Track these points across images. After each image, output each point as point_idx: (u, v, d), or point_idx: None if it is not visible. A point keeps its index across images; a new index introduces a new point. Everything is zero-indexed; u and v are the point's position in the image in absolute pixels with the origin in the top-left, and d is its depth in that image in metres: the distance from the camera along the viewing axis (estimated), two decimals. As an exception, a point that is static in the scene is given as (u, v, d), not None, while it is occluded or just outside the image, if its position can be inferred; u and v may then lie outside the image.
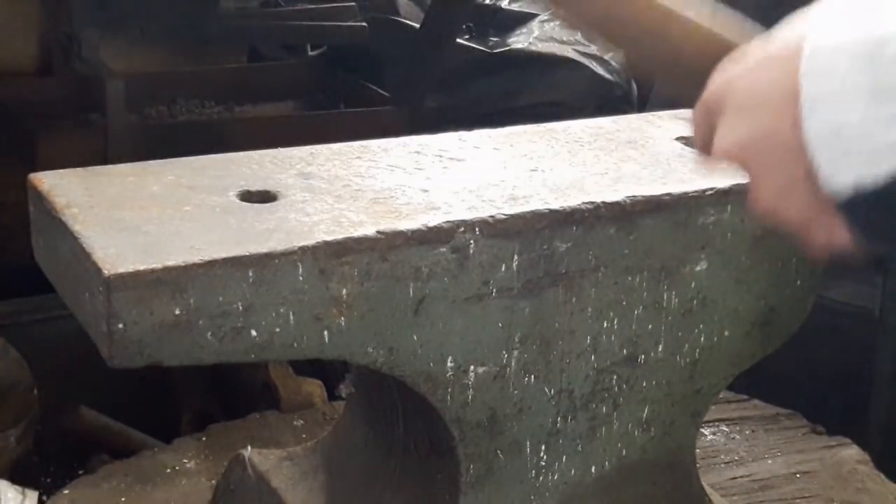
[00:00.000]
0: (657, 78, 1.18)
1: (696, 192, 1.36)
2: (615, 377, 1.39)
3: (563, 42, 3.37)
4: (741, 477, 1.88)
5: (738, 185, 1.38)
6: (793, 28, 0.88)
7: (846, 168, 0.82)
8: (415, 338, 1.24)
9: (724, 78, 0.94)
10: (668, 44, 1.11)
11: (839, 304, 2.57)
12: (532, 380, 1.33)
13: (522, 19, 3.49)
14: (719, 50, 1.01)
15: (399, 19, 3.37)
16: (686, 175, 1.40)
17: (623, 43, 1.17)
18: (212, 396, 2.49)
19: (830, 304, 2.47)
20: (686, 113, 1.63)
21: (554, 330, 1.32)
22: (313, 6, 3.40)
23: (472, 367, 1.29)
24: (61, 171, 1.29)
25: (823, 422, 2.05)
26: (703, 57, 1.03)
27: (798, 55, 0.85)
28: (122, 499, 1.73)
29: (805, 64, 0.84)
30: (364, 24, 3.28)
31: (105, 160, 2.41)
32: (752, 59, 0.91)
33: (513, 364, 1.31)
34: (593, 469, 1.42)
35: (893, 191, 0.81)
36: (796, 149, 0.85)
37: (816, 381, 2.57)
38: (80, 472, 2.18)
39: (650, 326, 1.39)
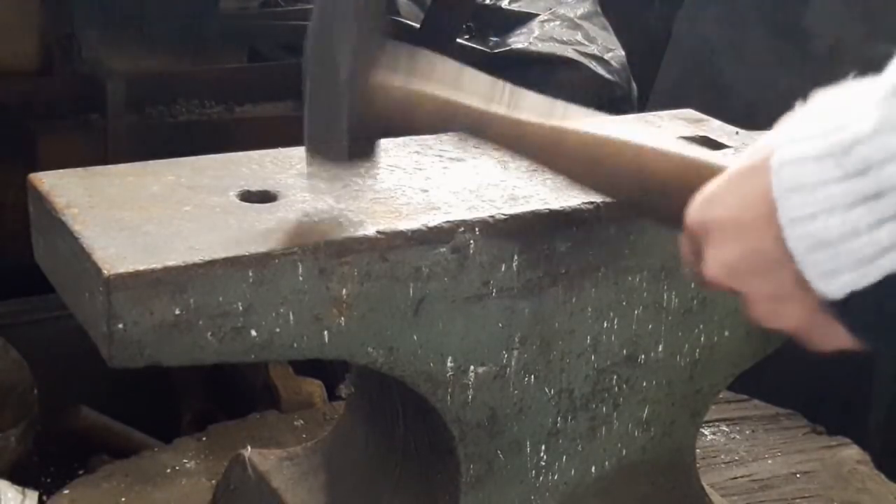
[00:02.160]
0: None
1: (696, 192, 1.36)
2: (615, 377, 1.39)
3: (563, 42, 3.37)
4: (741, 477, 1.88)
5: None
6: (762, 141, 0.90)
7: (836, 277, 0.84)
8: (415, 338, 1.24)
9: (702, 202, 0.95)
10: (651, 181, 1.12)
11: (839, 304, 2.56)
12: (532, 380, 1.33)
13: (522, 19, 3.49)
14: (694, 176, 1.03)
15: (399, 19, 3.37)
16: (686, 175, 1.40)
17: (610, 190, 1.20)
18: (212, 396, 2.49)
19: (830, 304, 2.47)
20: (686, 113, 1.63)
21: (554, 330, 1.32)
22: (313, 6, 3.39)
23: (472, 367, 1.29)
24: (61, 171, 1.29)
25: (823, 422, 2.05)
26: (680, 184, 1.05)
27: (767, 171, 0.86)
28: (122, 499, 1.73)
29: (776, 180, 0.85)
30: (364, 24, 3.27)
31: (105, 160, 2.41)
32: (726, 180, 0.93)
33: (513, 364, 1.31)
34: (593, 469, 1.42)
35: (883, 291, 0.82)
36: (782, 262, 0.87)
37: (816, 381, 2.57)
38: (80, 472, 2.18)
39: (650, 326, 1.39)
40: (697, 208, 0.95)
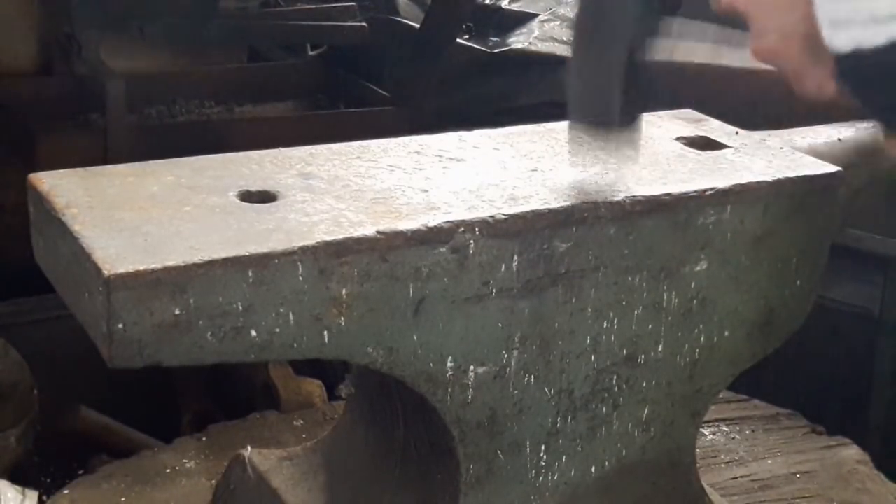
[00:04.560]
0: None
1: (696, 192, 1.36)
2: (615, 377, 1.39)
3: (563, 42, 3.37)
4: (741, 477, 1.87)
5: (738, 185, 1.38)
6: None
7: (847, 29, 0.85)
8: (414, 338, 1.24)
9: None
10: None
11: (839, 304, 2.57)
12: (532, 380, 1.33)
13: (522, 19, 3.48)
14: None
15: (399, 19, 3.37)
16: (686, 175, 1.40)
17: None
18: (212, 396, 2.50)
19: (830, 304, 2.47)
20: (686, 113, 1.63)
21: (554, 330, 1.32)
22: (313, 6, 3.40)
23: (471, 368, 1.29)
24: (61, 171, 1.29)
25: (823, 422, 2.05)
26: None
27: None
28: (122, 499, 1.73)
29: None
30: (364, 24, 3.28)
31: (105, 160, 2.41)
32: None
33: (513, 364, 1.31)
34: (593, 469, 1.42)
35: (886, 56, 0.83)
36: (802, 4, 0.88)
37: (816, 381, 2.57)
38: (80, 472, 2.18)
39: (650, 326, 1.39)
40: None
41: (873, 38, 0.84)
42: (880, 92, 0.90)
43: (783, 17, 0.93)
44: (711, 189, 1.37)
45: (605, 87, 1.21)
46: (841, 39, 0.86)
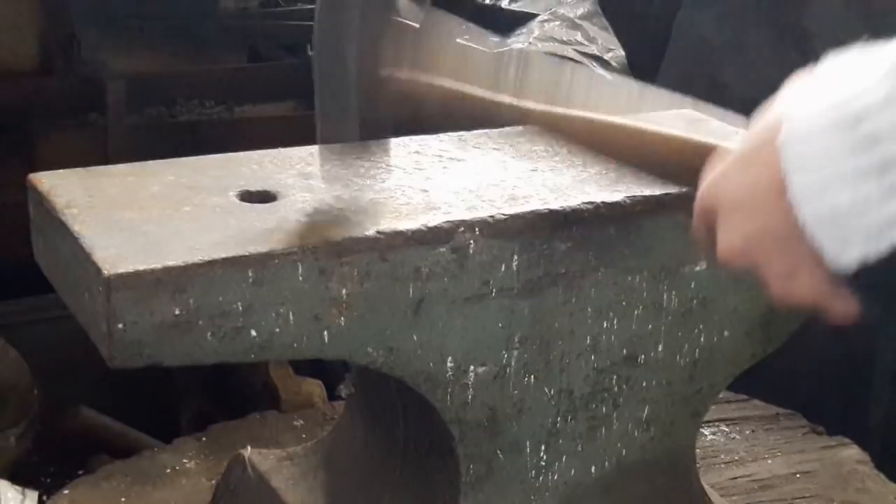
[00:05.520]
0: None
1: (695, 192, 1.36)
2: (615, 377, 1.39)
3: (563, 42, 3.37)
4: (741, 477, 1.87)
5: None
6: (769, 113, 0.90)
7: (847, 250, 0.85)
8: (414, 338, 1.24)
9: (712, 180, 0.96)
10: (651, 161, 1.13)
11: (839, 305, 2.56)
12: (532, 380, 1.33)
13: (522, 19, 3.49)
14: (695, 155, 1.04)
15: (399, 19, 3.36)
16: (686, 175, 1.40)
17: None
18: (212, 396, 2.49)
19: (830, 304, 2.46)
20: (686, 113, 1.63)
21: (554, 330, 1.32)
22: (313, 6, 3.39)
23: (471, 367, 1.29)
24: (61, 171, 1.29)
25: (823, 422, 2.05)
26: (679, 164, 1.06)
27: (776, 145, 0.86)
28: (122, 499, 1.73)
29: (784, 153, 0.86)
30: (364, 24, 3.28)
31: (105, 160, 2.41)
32: (735, 156, 0.93)
33: (513, 364, 1.31)
34: (593, 469, 1.42)
35: (893, 262, 0.83)
36: (794, 236, 0.88)
37: (816, 381, 2.57)
38: (80, 472, 2.18)
39: (650, 326, 1.39)
40: (708, 187, 0.96)
41: (875, 251, 0.84)
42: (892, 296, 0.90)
43: (788, 258, 0.90)
44: (711, 189, 1.36)
45: (342, 114, 1.20)
46: (846, 259, 0.85)
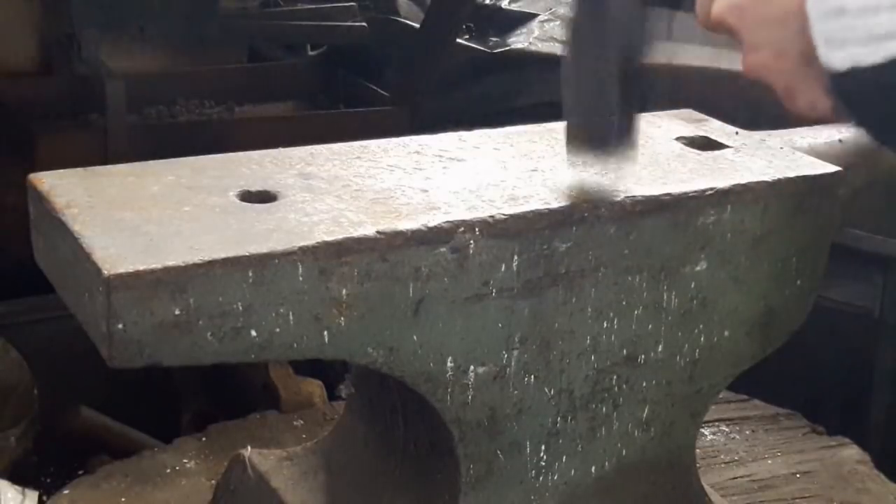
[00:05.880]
0: None
1: (695, 192, 1.36)
2: (615, 377, 1.39)
3: (562, 42, 3.37)
4: (741, 477, 1.87)
5: (738, 185, 1.38)
6: None
7: (843, 48, 0.84)
8: (414, 338, 1.24)
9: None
10: None
11: (839, 304, 2.57)
12: (532, 380, 1.33)
13: (522, 19, 3.49)
14: None
15: (399, 19, 3.37)
16: (686, 175, 1.40)
17: None
18: (212, 396, 2.50)
19: (830, 304, 2.47)
20: (686, 113, 1.63)
21: (554, 330, 1.32)
22: (313, 6, 3.40)
23: (471, 367, 1.29)
24: (61, 171, 1.29)
25: (823, 422, 2.05)
26: None
27: None
28: (122, 499, 1.73)
29: None
30: (364, 24, 3.28)
31: (105, 160, 2.41)
32: None
33: (513, 364, 1.31)
34: (593, 469, 1.42)
35: (883, 73, 0.83)
36: (792, 18, 0.88)
37: (816, 381, 2.57)
38: (80, 472, 2.18)
39: (650, 326, 1.39)
40: (730, 6, 0.97)
41: (871, 56, 0.83)
42: (877, 110, 0.89)
43: (776, 33, 0.92)
44: (711, 189, 1.37)
45: (602, 91, 1.21)
46: (837, 58, 0.85)
